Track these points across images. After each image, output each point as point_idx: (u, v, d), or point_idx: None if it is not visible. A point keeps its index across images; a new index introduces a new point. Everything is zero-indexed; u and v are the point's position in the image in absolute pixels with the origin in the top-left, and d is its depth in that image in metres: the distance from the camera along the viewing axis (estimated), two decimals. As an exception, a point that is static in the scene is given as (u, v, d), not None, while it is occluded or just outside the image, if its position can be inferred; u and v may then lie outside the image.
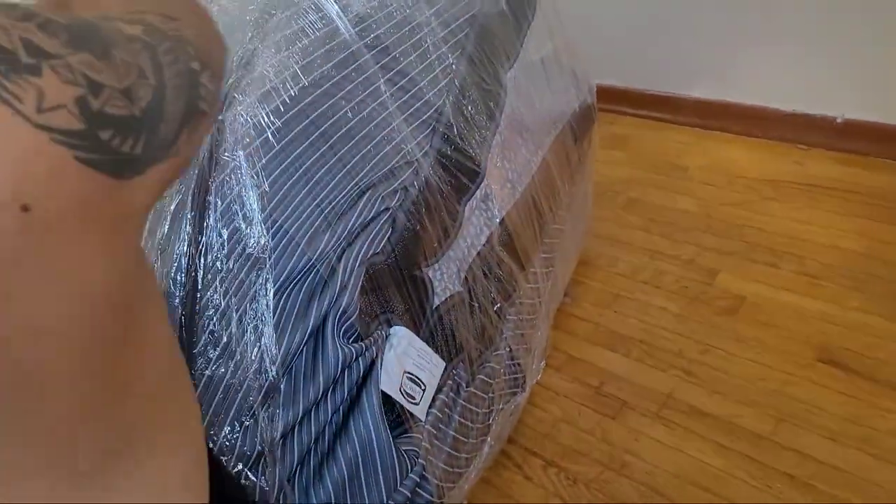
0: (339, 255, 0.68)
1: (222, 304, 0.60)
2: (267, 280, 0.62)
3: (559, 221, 1.23)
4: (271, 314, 0.62)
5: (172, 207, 0.60)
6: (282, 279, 0.63)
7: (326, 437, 0.71)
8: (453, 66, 0.84)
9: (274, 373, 0.62)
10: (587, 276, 1.46)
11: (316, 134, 0.67)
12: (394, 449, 0.73)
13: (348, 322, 0.70)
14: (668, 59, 1.78)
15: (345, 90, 0.70)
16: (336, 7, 0.71)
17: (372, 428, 0.72)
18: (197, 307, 0.59)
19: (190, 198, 0.59)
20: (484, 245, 0.97)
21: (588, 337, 1.34)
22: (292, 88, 0.65)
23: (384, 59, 0.75)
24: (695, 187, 1.58)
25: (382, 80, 0.75)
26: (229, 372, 0.60)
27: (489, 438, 1.06)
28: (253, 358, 0.61)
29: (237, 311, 0.60)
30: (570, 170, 1.23)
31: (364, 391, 0.73)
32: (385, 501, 0.69)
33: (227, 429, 0.61)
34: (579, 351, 1.32)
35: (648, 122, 1.86)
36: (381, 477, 0.72)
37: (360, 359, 0.72)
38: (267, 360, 0.61)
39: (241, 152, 0.60)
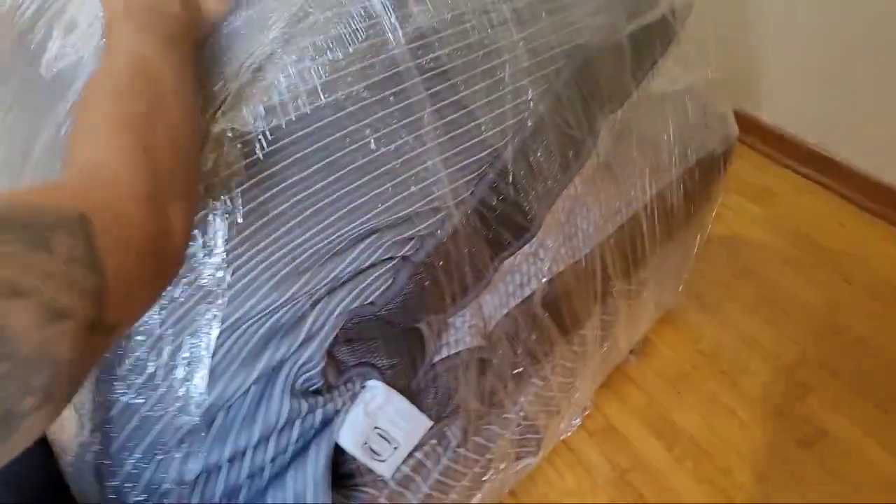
0: (313, 302, 0.60)
1: (157, 331, 0.54)
2: (215, 317, 0.55)
3: (637, 283, 1.07)
4: (210, 354, 0.55)
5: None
6: (234, 318, 0.56)
7: (265, 477, 0.66)
8: (530, 104, 0.71)
9: (198, 416, 0.56)
10: (662, 339, 1.29)
11: (324, 161, 0.58)
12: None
13: (308, 374, 0.62)
14: (865, 126, 1.44)
15: (375, 116, 0.60)
16: (393, 16, 0.60)
17: (311, 482, 0.66)
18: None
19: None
20: (521, 302, 0.85)
21: (637, 411, 1.19)
22: (306, 106, 0.56)
23: (439, 86, 0.64)
24: (833, 281, 1.32)
25: (429, 110, 0.64)
26: (149, 404, 0.55)
27: (479, 494, 0.97)
28: (179, 395, 0.55)
29: (173, 342, 0.54)
30: (670, 228, 1.06)
31: (314, 443, 0.67)
32: None
33: (137, 457, 0.56)
34: (621, 423, 1.18)
35: (810, 186, 1.56)
36: (309, 534, 0.66)
37: (318, 411, 0.65)
38: (193, 402, 0.56)
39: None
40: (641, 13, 0.80)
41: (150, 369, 0.54)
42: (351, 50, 0.58)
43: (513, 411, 0.92)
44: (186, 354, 0.55)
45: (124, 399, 0.55)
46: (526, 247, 0.79)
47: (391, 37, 0.61)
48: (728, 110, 1.10)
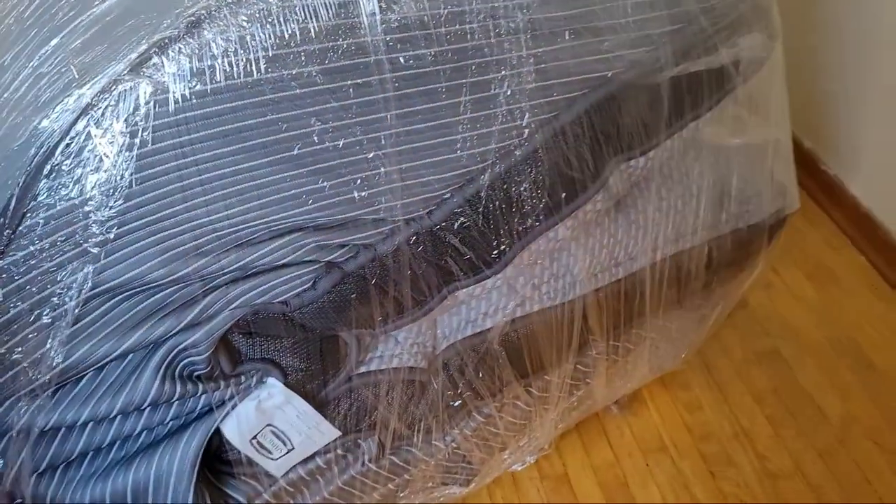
0: (208, 289, 0.55)
1: (25, 277, 0.50)
2: (87, 278, 0.50)
3: (631, 340, 0.97)
4: (74, 314, 0.51)
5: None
6: (113, 283, 0.52)
7: (137, 445, 0.63)
8: (525, 130, 0.62)
9: (48, 378, 0.52)
10: (653, 399, 1.18)
11: (250, 143, 0.52)
12: (192, 493, 0.63)
13: (191, 358, 0.58)
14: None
15: (325, 106, 0.53)
16: (375, 1, 0.52)
17: (177, 463, 0.62)
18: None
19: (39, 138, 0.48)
20: (476, 334, 0.78)
21: (599, 469, 1.10)
22: (241, 76, 0.50)
23: (414, 89, 0.56)
24: (860, 398, 1.16)
25: (395, 113, 0.56)
26: (4, 348, 0.52)
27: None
28: (35, 346, 0.52)
29: (39, 292, 0.50)
30: (681, 295, 0.95)
31: (192, 426, 0.63)
32: None
33: (-15, 396, 0.54)
34: (577, 478, 1.10)
35: (880, 285, 1.34)
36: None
37: (200, 397, 0.61)
38: (46, 359, 0.52)
39: (119, 125, 0.47)
40: (696, 57, 0.68)
41: (10, 314, 0.51)
42: (311, 27, 0.51)
43: (442, 440, 0.85)
44: (50, 310, 0.51)
45: (-20, 336, 0.51)
46: (490, 282, 0.71)
47: (366, 21, 0.53)
48: (791, 182, 0.96)
